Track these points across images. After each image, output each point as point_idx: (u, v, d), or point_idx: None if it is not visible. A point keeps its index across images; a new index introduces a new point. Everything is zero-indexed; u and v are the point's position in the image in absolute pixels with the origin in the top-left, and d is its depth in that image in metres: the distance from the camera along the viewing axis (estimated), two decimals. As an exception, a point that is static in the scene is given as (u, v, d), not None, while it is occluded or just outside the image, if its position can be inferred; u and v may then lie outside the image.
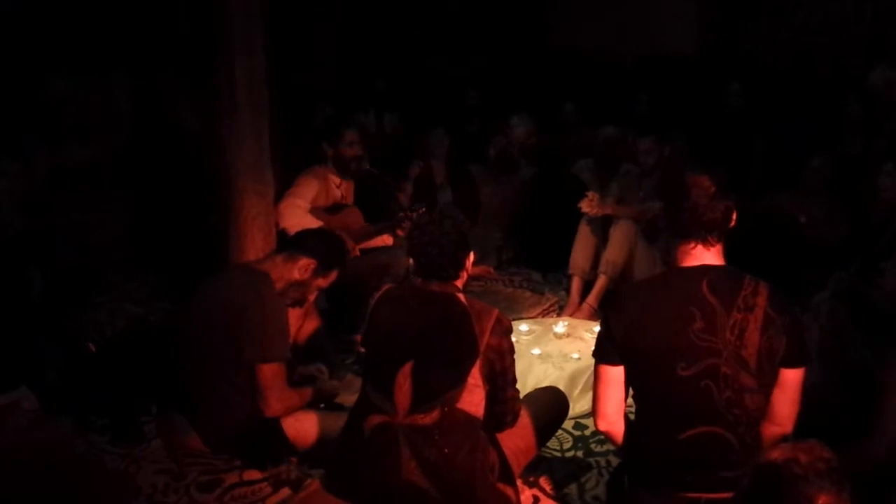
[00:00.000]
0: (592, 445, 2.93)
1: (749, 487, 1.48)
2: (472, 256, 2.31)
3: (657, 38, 6.47)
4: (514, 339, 2.28)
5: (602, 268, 4.07)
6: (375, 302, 2.31)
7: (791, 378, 1.93)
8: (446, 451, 2.12)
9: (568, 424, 2.97)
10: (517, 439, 2.39)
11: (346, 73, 6.37)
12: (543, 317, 4.10)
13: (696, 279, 1.91)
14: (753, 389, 1.88)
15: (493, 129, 5.36)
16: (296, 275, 2.74)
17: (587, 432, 3.01)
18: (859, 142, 4.60)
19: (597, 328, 2.22)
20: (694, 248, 1.95)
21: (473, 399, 2.15)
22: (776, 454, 1.44)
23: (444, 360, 2.16)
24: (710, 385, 1.87)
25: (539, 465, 2.74)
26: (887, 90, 4.41)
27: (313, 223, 3.54)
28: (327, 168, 3.90)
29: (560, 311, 4.19)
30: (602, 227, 4.19)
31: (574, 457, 2.88)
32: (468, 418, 2.15)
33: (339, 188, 3.93)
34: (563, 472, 2.76)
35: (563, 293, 4.38)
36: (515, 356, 2.27)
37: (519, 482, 2.46)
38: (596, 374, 2.03)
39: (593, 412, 2.06)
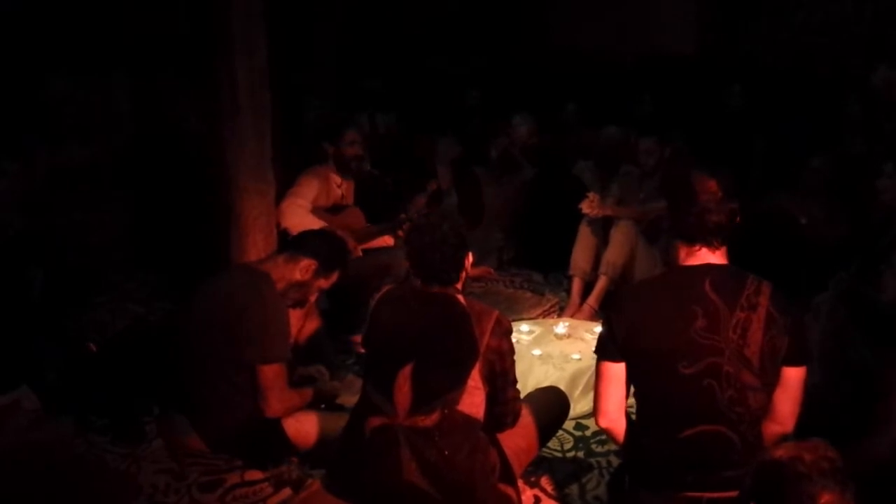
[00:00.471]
0: (593, 446, 2.94)
1: (752, 486, 1.49)
2: (471, 257, 2.30)
3: (657, 38, 6.47)
4: (514, 339, 2.28)
5: (603, 269, 4.07)
6: (376, 303, 2.31)
7: (793, 377, 1.94)
8: (446, 452, 2.12)
9: (569, 425, 2.97)
10: (519, 439, 2.39)
11: (346, 73, 6.36)
12: (544, 317, 4.10)
13: (699, 278, 1.92)
14: (756, 388, 1.89)
15: (494, 129, 5.35)
16: (297, 275, 2.74)
17: (588, 433, 3.01)
18: (859, 142, 4.60)
19: (597, 329, 2.23)
20: (699, 250, 1.96)
21: (474, 401, 2.16)
22: (780, 453, 1.44)
23: (445, 362, 2.16)
24: (712, 384, 1.87)
25: (540, 466, 2.74)
26: (888, 91, 4.41)
27: (315, 223, 3.55)
28: (328, 168, 3.90)
29: (561, 311, 4.20)
30: (603, 228, 4.19)
31: (575, 457, 2.88)
32: (468, 420, 2.15)
33: (339, 188, 3.94)
34: (564, 473, 2.77)
35: (563, 294, 4.38)
36: (516, 357, 2.27)
37: (520, 482, 2.46)
38: (597, 372, 2.04)
39: (594, 409, 2.06)
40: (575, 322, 3.76)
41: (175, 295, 4.09)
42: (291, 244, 2.92)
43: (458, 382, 2.13)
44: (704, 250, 1.95)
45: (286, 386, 2.65)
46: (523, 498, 2.47)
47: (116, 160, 4.83)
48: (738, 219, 1.97)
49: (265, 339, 2.57)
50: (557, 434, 2.78)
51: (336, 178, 3.92)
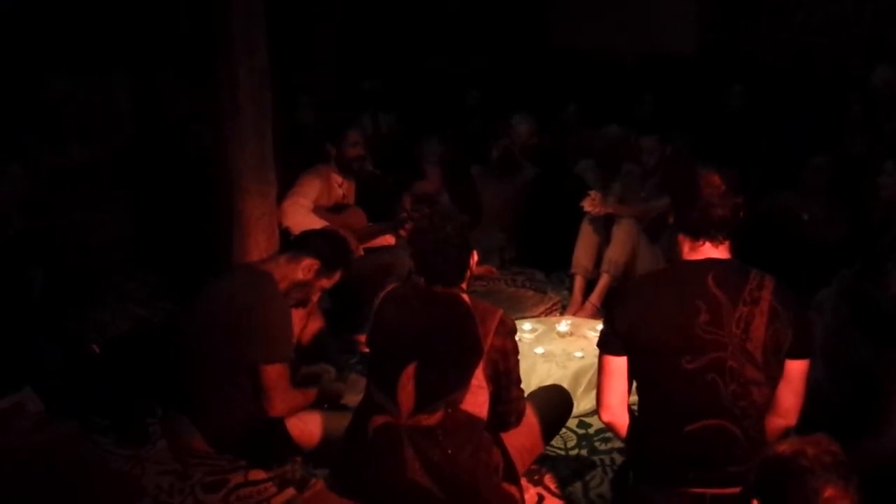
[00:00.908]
0: (597, 444, 2.94)
1: (756, 480, 1.49)
2: (475, 256, 2.30)
3: (657, 38, 6.48)
4: (517, 338, 2.28)
5: (605, 267, 4.07)
6: (379, 302, 2.30)
7: (796, 370, 1.94)
8: (450, 451, 2.12)
9: (572, 423, 2.96)
10: (522, 437, 2.39)
11: (346, 73, 6.37)
12: (546, 316, 4.10)
13: (702, 273, 1.92)
14: (760, 382, 1.89)
15: (494, 129, 5.35)
16: (299, 275, 2.73)
17: (591, 430, 3.01)
18: (860, 142, 4.61)
19: (600, 327, 2.22)
20: (703, 245, 1.96)
21: (477, 400, 2.15)
22: (783, 447, 1.45)
23: (448, 361, 2.16)
24: (716, 378, 1.87)
25: (543, 464, 2.74)
26: (887, 90, 4.42)
27: (316, 222, 3.55)
28: (329, 167, 3.90)
29: (563, 310, 4.20)
30: (605, 226, 4.19)
31: (578, 455, 2.89)
32: (472, 419, 2.15)
33: (340, 187, 3.94)
34: (567, 471, 2.76)
35: (565, 292, 4.38)
36: (519, 356, 2.26)
37: (523, 480, 2.47)
38: (599, 366, 2.04)
39: (597, 404, 2.06)
40: (577, 320, 3.77)
41: (176, 295, 4.09)
42: (293, 244, 2.92)
43: (462, 382, 2.13)
44: (708, 245, 1.95)
45: (289, 386, 2.64)
46: (526, 496, 2.47)
47: (117, 160, 4.84)
48: (742, 213, 1.97)
49: (268, 339, 2.57)
50: (561, 432, 2.78)
51: (337, 178, 3.92)
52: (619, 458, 2.77)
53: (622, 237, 4.04)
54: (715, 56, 6.33)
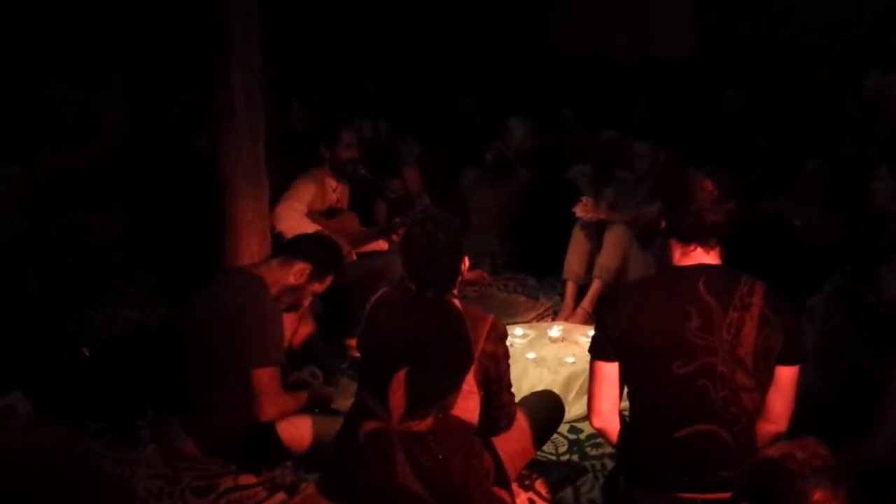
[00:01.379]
0: (588, 449, 2.93)
1: (745, 485, 1.49)
2: (467, 261, 2.30)
3: (656, 39, 6.47)
4: (508, 343, 2.28)
5: (596, 272, 4.06)
6: (371, 306, 2.30)
7: (786, 376, 1.93)
8: (441, 456, 2.12)
9: (563, 428, 2.96)
10: (513, 442, 2.39)
11: (345, 73, 6.37)
12: (538, 321, 4.09)
13: (693, 278, 1.92)
14: (750, 388, 1.89)
15: (493, 130, 5.34)
16: (291, 279, 2.73)
17: (582, 436, 3.01)
18: (857, 145, 4.60)
19: (591, 332, 2.22)
20: (694, 250, 1.96)
21: (468, 405, 2.15)
22: (773, 451, 1.45)
23: (439, 367, 2.15)
24: (706, 384, 1.87)
25: (534, 469, 2.74)
26: (881, 95, 4.40)
27: (310, 226, 3.53)
28: (323, 171, 3.89)
29: (555, 315, 4.19)
30: (596, 232, 4.17)
31: (569, 460, 2.88)
32: (463, 425, 2.15)
33: (334, 192, 3.92)
34: (558, 476, 2.76)
35: (557, 298, 4.37)
36: (510, 361, 2.26)
37: (514, 486, 2.47)
38: (591, 371, 2.03)
39: (588, 409, 2.06)
40: (569, 326, 3.76)
41: (175, 296, 4.09)
42: (286, 248, 2.90)
43: (453, 387, 2.13)
44: (699, 250, 1.95)
45: (280, 390, 2.64)
46: (518, 501, 2.47)
47: (116, 161, 4.84)
48: (736, 219, 1.96)
49: (259, 342, 2.56)
50: (552, 437, 2.78)
51: (331, 182, 3.91)
52: (609, 464, 2.77)
53: (614, 243, 4.03)
54: (714, 57, 6.32)
